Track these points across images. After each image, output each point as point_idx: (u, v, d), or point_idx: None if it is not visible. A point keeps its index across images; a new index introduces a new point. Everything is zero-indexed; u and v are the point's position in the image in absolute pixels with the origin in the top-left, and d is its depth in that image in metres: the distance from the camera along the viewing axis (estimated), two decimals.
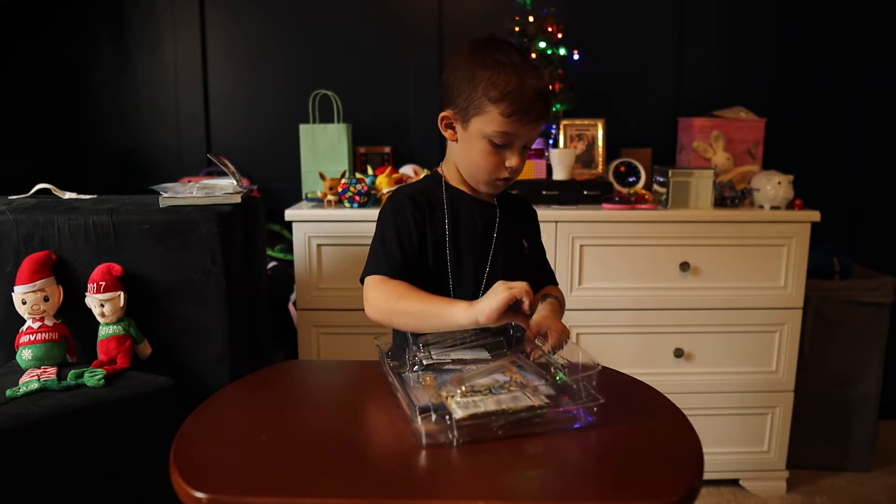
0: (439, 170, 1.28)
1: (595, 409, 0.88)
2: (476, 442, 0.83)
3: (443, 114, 1.22)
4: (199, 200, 1.71)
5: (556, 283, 1.33)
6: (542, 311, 1.12)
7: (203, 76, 2.56)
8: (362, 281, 1.17)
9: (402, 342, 1.22)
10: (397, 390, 0.96)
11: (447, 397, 0.90)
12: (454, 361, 1.05)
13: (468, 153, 1.20)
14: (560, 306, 1.22)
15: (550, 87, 2.34)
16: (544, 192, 2.14)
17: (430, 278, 1.20)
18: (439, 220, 1.21)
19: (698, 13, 2.57)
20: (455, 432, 0.83)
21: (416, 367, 1.04)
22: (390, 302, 1.11)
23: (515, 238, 1.28)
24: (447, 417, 0.85)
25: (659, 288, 2.12)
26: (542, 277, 1.31)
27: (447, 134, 1.23)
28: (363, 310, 1.28)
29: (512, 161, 1.17)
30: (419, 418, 0.85)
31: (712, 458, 2.14)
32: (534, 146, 2.27)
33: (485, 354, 1.08)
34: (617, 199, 2.16)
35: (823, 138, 2.63)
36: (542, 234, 1.37)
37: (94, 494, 1.40)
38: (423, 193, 1.23)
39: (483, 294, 1.14)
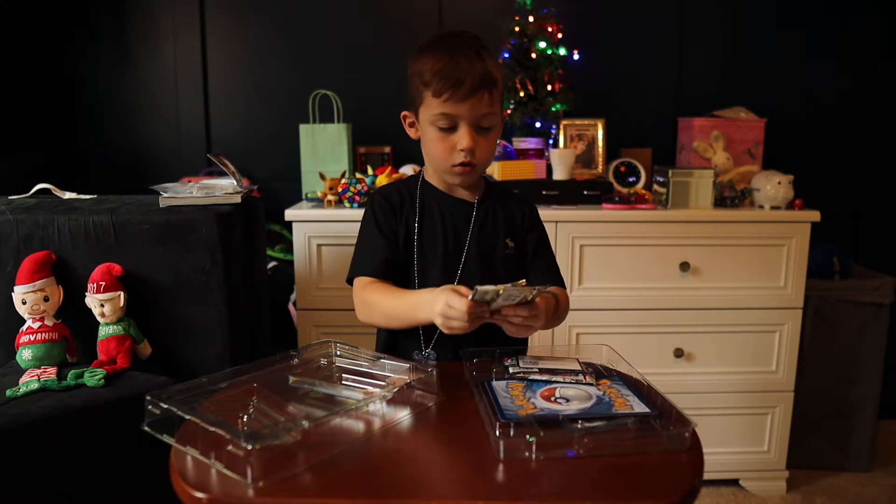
0: (423, 170, 1.30)
1: (687, 434, 0.84)
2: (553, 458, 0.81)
3: (403, 113, 1.24)
4: (199, 200, 1.71)
5: (562, 287, 1.28)
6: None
7: (203, 76, 2.56)
8: (349, 282, 1.22)
9: (387, 340, 1.25)
10: (481, 399, 0.94)
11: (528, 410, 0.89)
12: (541, 371, 1.03)
13: (426, 146, 1.21)
14: (555, 302, 1.16)
15: (550, 87, 2.34)
16: (544, 192, 2.14)
17: (399, 272, 1.22)
18: (410, 215, 1.23)
19: (698, 13, 2.57)
20: (535, 451, 0.81)
21: (505, 375, 1.03)
22: (367, 306, 1.17)
23: (496, 237, 1.25)
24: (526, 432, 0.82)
25: (659, 288, 2.12)
26: (543, 280, 1.28)
27: (410, 133, 1.24)
28: None
29: (462, 143, 1.15)
30: (498, 430, 0.82)
31: (712, 458, 2.14)
32: (533, 146, 2.28)
33: (574, 365, 1.07)
34: (617, 199, 2.16)
35: (823, 138, 2.63)
36: None
37: (94, 494, 1.40)
38: (399, 191, 1.25)
39: None
